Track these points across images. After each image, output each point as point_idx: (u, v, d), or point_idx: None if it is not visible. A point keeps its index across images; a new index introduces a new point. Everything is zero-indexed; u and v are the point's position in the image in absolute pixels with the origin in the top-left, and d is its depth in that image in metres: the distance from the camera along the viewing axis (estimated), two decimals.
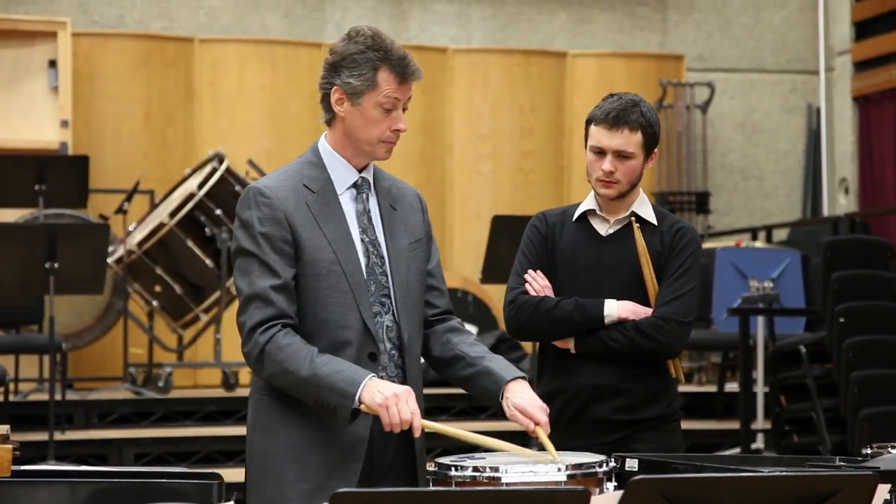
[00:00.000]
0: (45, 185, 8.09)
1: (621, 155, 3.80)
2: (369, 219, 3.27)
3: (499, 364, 3.31)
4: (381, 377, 3.16)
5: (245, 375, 8.29)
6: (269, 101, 9.59)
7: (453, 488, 2.97)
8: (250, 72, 9.64)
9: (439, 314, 3.41)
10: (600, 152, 3.81)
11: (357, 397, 3.05)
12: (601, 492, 3.02)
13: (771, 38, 10.93)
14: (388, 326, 3.24)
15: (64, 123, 9.10)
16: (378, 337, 3.21)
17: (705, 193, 10.40)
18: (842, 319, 6.98)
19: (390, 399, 3.03)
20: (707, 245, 9.81)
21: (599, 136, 3.81)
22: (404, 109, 3.24)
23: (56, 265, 6.88)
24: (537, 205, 7.81)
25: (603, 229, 3.91)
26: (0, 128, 9.06)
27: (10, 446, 2.70)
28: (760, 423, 7.76)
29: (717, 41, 10.86)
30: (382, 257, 3.25)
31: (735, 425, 7.68)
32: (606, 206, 3.90)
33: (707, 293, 8.39)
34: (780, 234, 10.29)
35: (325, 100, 3.25)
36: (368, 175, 3.31)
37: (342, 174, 3.25)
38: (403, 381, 3.24)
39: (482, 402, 3.39)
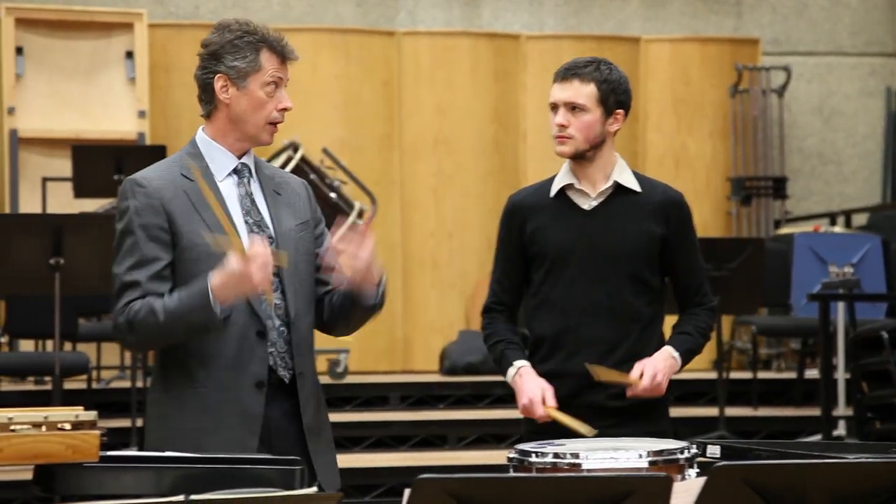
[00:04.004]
0: (124, 174, 8.19)
1: (573, 107, 3.70)
2: (252, 202, 3.32)
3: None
4: (271, 352, 3.26)
5: (321, 362, 8.35)
6: (342, 90, 9.62)
7: (534, 474, 2.98)
8: (324, 61, 9.67)
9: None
10: (554, 107, 3.75)
11: (211, 300, 3.11)
12: (683, 478, 3.01)
13: (848, 20, 10.78)
14: (276, 304, 3.27)
15: (141, 114, 9.20)
16: (266, 314, 3.26)
17: (782, 178, 10.29)
18: None
19: (243, 273, 3.07)
20: (785, 230, 9.72)
21: (553, 91, 3.77)
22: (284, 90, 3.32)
23: None
24: None
25: (585, 203, 3.74)
26: (79, 119, 9.18)
27: (97, 432, 2.75)
28: (842, 409, 7.67)
29: (794, 24, 10.73)
30: (270, 238, 3.30)
31: (815, 412, 7.61)
32: (584, 177, 3.73)
33: (786, 279, 8.31)
34: (860, 219, 10.16)
35: (206, 90, 3.31)
36: (249, 161, 3.36)
37: (221, 161, 3.32)
38: (292, 357, 3.29)
39: (357, 305, 3.37)
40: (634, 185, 3.74)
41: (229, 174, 3.32)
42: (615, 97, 3.74)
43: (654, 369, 3.61)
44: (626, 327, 3.68)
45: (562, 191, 3.75)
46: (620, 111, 3.76)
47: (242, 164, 3.34)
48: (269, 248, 3.15)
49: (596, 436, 3.43)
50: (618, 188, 3.74)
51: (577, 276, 3.68)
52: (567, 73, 3.73)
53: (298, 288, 3.31)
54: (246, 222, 3.29)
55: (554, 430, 3.53)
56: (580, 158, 3.72)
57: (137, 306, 3.19)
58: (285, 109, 3.30)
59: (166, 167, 3.32)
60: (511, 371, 3.70)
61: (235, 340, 3.24)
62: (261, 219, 3.31)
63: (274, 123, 3.30)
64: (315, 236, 3.43)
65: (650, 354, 3.69)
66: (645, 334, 3.71)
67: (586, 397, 3.67)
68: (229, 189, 3.31)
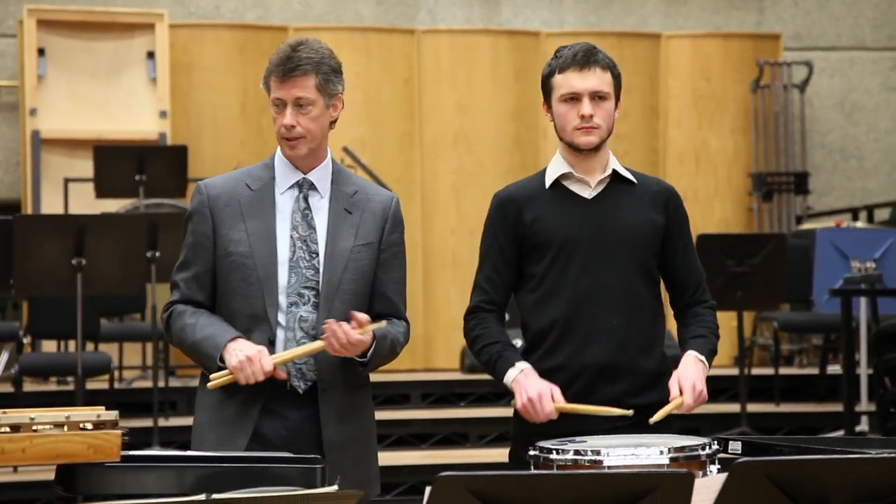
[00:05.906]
0: (146, 175, 8.23)
1: (597, 96, 3.58)
2: (304, 216, 3.44)
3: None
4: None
5: None
6: (363, 89, 9.62)
7: (555, 472, 2.97)
8: (344, 59, 9.45)
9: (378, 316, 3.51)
10: (574, 98, 3.58)
11: (218, 359, 3.33)
12: (704, 475, 3.00)
13: (870, 14, 10.73)
14: (301, 317, 3.39)
15: (162, 114, 9.23)
16: (286, 325, 3.39)
17: (804, 174, 10.26)
18: None
19: (244, 362, 3.28)
20: (807, 226, 9.69)
21: (571, 80, 3.57)
22: (303, 105, 3.41)
23: (157, 254, 6.99)
24: None
25: (585, 192, 3.62)
26: (101, 119, 9.22)
27: (119, 432, 2.76)
28: (864, 405, 7.65)
29: (815, 19, 10.69)
30: (314, 253, 3.42)
31: (837, 408, 7.58)
32: (582, 167, 3.62)
33: (808, 274, 8.28)
34: (882, 214, 10.12)
35: None
36: (317, 177, 3.48)
37: (285, 175, 3.48)
38: (313, 369, 3.40)
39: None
40: (630, 176, 3.67)
41: (290, 188, 3.47)
42: (620, 83, 3.67)
43: (692, 380, 3.45)
44: (637, 317, 3.55)
45: (556, 181, 3.64)
46: (620, 99, 3.69)
47: (304, 179, 3.47)
48: (259, 365, 3.27)
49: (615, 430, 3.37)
50: (614, 178, 3.65)
51: (586, 263, 3.55)
52: (587, 62, 3.59)
53: (337, 306, 3.39)
54: (291, 236, 3.41)
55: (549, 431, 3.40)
56: (594, 150, 3.62)
57: (179, 311, 3.45)
58: (284, 126, 3.41)
59: (236, 175, 3.52)
60: (513, 372, 3.51)
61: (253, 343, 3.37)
62: (309, 234, 3.43)
63: (285, 139, 3.43)
64: (379, 260, 3.48)
65: (660, 350, 3.60)
66: (655, 327, 3.59)
67: (601, 393, 3.51)
68: (285, 202, 3.45)
